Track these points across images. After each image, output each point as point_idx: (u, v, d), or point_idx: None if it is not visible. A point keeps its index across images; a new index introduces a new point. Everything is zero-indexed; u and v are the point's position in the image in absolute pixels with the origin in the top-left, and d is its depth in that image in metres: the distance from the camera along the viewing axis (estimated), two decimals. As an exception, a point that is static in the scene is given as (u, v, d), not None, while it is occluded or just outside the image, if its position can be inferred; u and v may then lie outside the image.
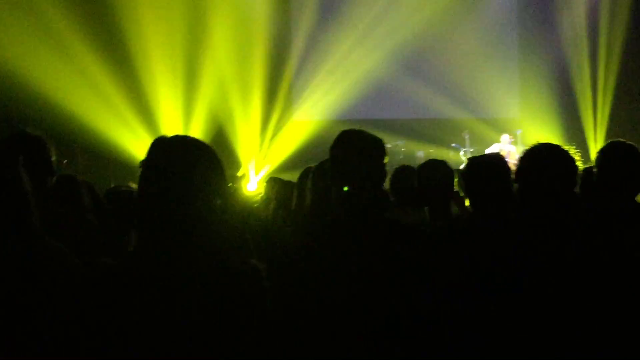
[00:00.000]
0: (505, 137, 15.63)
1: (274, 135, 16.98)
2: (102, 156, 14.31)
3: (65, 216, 3.75)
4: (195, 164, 2.18)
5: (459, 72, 17.55)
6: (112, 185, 7.38)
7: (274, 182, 5.99)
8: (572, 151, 3.31)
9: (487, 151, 14.81)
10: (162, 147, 2.22)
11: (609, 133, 16.27)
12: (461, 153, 16.27)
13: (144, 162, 2.19)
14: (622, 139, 3.81)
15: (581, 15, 17.35)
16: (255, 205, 7.16)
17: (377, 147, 2.93)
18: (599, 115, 17.18)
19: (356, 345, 2.70)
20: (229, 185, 6.31)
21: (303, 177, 4.38)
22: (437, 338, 2.87)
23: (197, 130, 15.53)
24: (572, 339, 2.93)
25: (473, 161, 3.73)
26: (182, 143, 2.26)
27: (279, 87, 17.06)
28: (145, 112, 15.33)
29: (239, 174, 15.54)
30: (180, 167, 2.15)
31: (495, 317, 2.96)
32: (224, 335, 2.09)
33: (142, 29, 15.22)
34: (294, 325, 2.70)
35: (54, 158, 3.62)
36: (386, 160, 2.96)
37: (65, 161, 12.40)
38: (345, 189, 2.84)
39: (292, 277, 2.80)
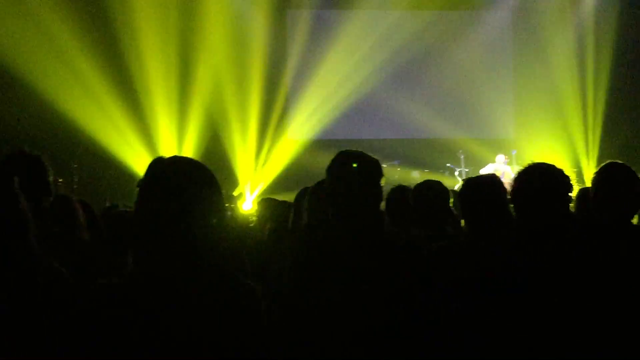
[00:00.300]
0: (500, 158, 15.68)
1: (269, 154, 16.99)
2: (99, 173, 14.35)
3: (60, 237, 3.75)
4: (192, 184, 2.19)
5: (454, 93, 17.64)
6: (107, 205, 7.38)
7: (268, 202, 5.99)
8: (567, 171, 3.32)
9: (482, 171, 14.84)
10: (160, 167, 2.22)
11: (601, 154, 16.34)
12: (456, 173, 16.31)
13: (142, 182, 2.20)
14: (617, 161, 3.83)
15: (572, 37, 17.47)
16: (251, 224, 7.16)
17: (375, 169, 2.94)
18: (590, 136, 17.26)
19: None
20: (226, 204, 6.31)
21: (300, 196, 4.39)
22: (434, 355, 2.87)
23: (193, 148, 15.58)
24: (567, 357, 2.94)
25: (469, 182, 3.75)
26: (180, 163, 2.27)
27: (274, 106, 17.09)
28: (143, 129, 15.41)
29: (236, 193, 15.55)
30: (177, 187, 2.16)
31: (490, 335, 2.96)
32: (221, 355, 2.09)
33: (139, 44, 15.32)
34: (294, 343, 2.70)
35: (51, 178, 3.63)
36: (383, 181, 2.97)
37: (60, 180, 12.39)
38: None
39: (291, 297, 2.80)
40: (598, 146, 16.98)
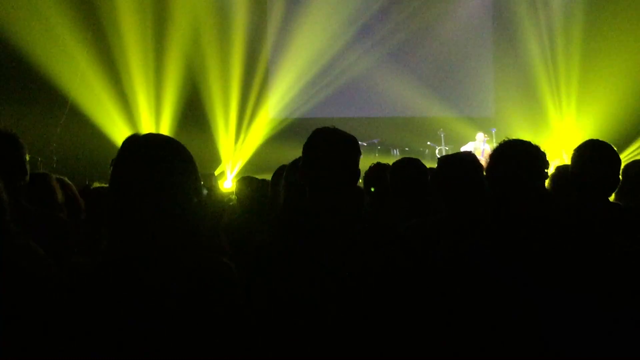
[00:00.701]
0: (479, 136, 15.71)
1: (250, 132, 16.96)
2: (79, 151, 14.29)
3: (37, 215, 3.72)
4: (166, 161, 2.17)
5: (434, 71, 17.65)
6: (87, 183, 7.33)
7: (247, 180, 5.96)
8: (544, 148, 3.32)
9: (462, 149, 14.88)
10: (134, 144, 2.20)
11: (576, 133, 16.45)
12: (437, 151, 16.35)
13: (116, 160, 2.17)
14: (597, 138, 3.84)
15: (549, 16, 17.50)
16: (231, 203, 7.13)
17: (351, 145, 2.93)
18: (565, 115, 17.34)
19: (330, 344, 2.70)
20: (204, 182, 6.28)
21: (277, 175, 4.37)
22: (413, 337, 2.88)
23: (175, 127, 15.54)
24: (544, 337, 2.95)
25: (444, 159, 3.75)
26: (154, 140, 2.25)
27: (254, 85, 17.04)
28: (125, 108, 15.38)
29: (217, 171, 15.53)
30: (151, 164, 2.13)
31: (467, 313, 2.97)
32: (198, 331, 2.08)
33: (119, 20, 15.26)
34: (268, 323, 2.69)
35: (27, 157, 3.60)
36: (359, 158, 2.96)
37: (40, 159, 12.34)
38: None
39: (266, 277, 2.79)
40: (573, 124, 17.05)
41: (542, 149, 3.27)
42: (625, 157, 14.20)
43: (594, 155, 3.66)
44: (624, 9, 16.55)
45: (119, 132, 14.83)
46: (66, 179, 4.86)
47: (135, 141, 2.21)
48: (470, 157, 3.76)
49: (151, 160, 2.15)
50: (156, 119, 15.81)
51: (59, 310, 2.10)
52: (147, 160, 2.15)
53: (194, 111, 16.40)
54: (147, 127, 15.47)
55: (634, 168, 4.40)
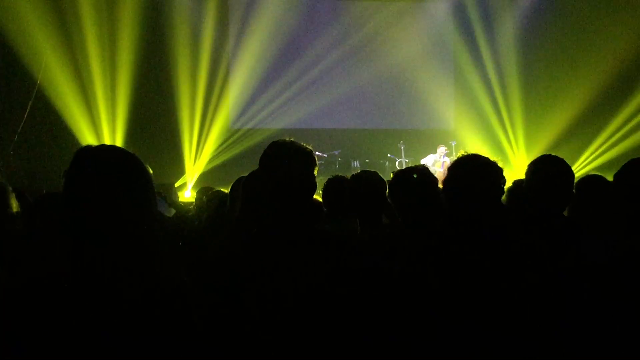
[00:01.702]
0: (441, 149, 15.84)
1: (209, 143, 16.91)
2: (37, 161, 14.18)
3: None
4: (119, 173, 2.15)
5: (395, 83, 17.74)
6: (44, 192, 7.25)
7: (205, 191, 5.95)
8: (500, 163, 3.36)
9: (422, 162, 15.02)
10: (88, 156, 2.18)
11: (532, 147, 16.70)
12: (397, 163, 16.43)
13: (69, 171, 2.15)
14: (551, 154, 3.89)
15: (510, 30, 17.74)
16: (190, 214, 7.11)
17: (307, 158, 2.94)
18: (519, 129, 17.59)
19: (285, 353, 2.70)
20: (161, 193, 6.22)
21: (235, 186, 4.36)
22: (367, 348, 2.88)
23: (137, 137, 15.45)
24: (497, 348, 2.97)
25: (398, 173, 3.78)
26: (106, 152, 2.23)
27: (214, 95, 16.99)
28: (90, 117, 15.24)
29: (179, 182, 15.46)
30: (104, 176, 2.12)
31: (417, 325, 2.98)
32: (148, 344, 2.07)
33: (85, 31, 15.16)
34: (223, 334, 2.68)
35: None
36: (315, 171, 2.97)
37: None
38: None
39: (221, 287, 2.78)
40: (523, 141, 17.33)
41: (498, 164, 3.31)
42: (576, 169, 14.47)
43: (548, 169, 3.71)
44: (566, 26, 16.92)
45: (82, 142, 14.71)
46: (22, 190, 4.81)
47: (88, 152, 2.20)
48: (422, 170, 3.79)
49: (103, 172, 2.14)
50: (125, 128, 15.72)
51: (7, 321, 2.07)
52: (99, 171, 2.14)
53: (159, 121, 16.34)
54: (111, 137, 15.36)
55: (586, 183, 4.46)
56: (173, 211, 6.64)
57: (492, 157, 3.36)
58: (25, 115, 13.90)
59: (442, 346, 2.98)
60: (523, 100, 17.54)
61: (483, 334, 2.96)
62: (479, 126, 17.59)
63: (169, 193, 6.34)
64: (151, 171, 2.42)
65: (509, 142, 17.49)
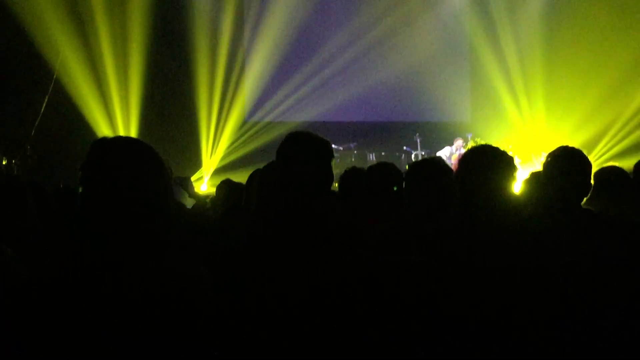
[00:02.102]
0: (458, 142, 15.79)
1: (225, 136, 16.94)
2: (54, 155, 14.25)
3: (7, 219, 3.69)
4: (136, 165, 2.16)
5: (411, 76, 17.65)
6: (61, 185, 7.29)
7: (224, 184, 5.95)
8: (519, 154, 3.35)
9: (438, 154, 14.98)
10: (104, 148, 2.19)
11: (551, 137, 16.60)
12: (412, 156, 16.40)
13: (85, 164, 2.16)
14: (568, 145, 3.87)
15: (526, 21, 17.63)
16: (207, 207, 7.12)
17: (324, 149, 2.93)
18: (536, 119, 17.49)
19: (304, 349, 2.70)
20: (179, 186, 6.23)
21: (251, 178, 4.36)
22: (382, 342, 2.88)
23: (149, 130, 15.49)
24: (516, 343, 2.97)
25: (413, 165, 3.78)
26: (122, 144, 2.23)
27: (232, 89, 17.01)
28: (106, 111, 15.31)
29: (196, 176, 15.50)
30: (121, 168, 2.13)
31: (434, 321, 2.98)
32: (167, 337, 2.07)
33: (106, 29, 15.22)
34: (242, 326, 2.68)
35: (4, 162, 3.57)
36: (333, 162, 2.97)
37: (14, 161, 12.26)
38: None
39: (240, 280, 2.79)
40: (544, 129, 17.21)
41: (511, 154, 3.30)
42: (594, 158, 14.40)
43: (565, 161, 3.69)
44: (587, 15, 16.77)
45: (99, 135, 14.78)
46: (40, 182, 4.84)
47: (104, 144, 2.20)
48: (439, 162, 3.79)
49: (120, 164, 2.14)
50: (142, 121, 15.77)
51: (26, 313, 2.08)
52: (115, 163, 2.14)
53: (176, 114, 16.40)
54: (126, 130, 15.42)
55: (603, 174, 4.44)
56: (192, 201, 6.65)
57: (509, 149, 3.35)
58: (42, 109, 13.98)
59: (458, 341, 2.97)
60: (544, 90, 17.43)
61: (498, 327, 2.96)
62: (496, 118, 17.51)
63: (184, 184, 6.34)
64: (167, 163, 2.43)
65: (529, 132, 17.37)
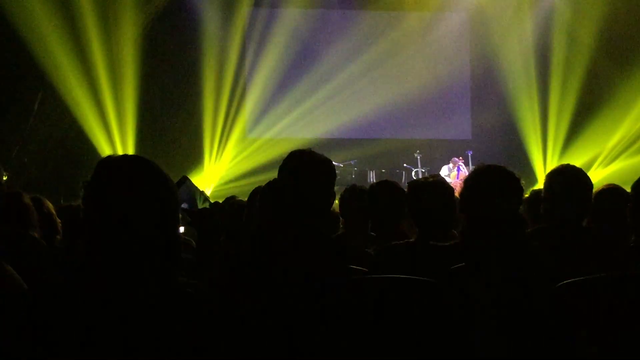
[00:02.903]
0: (455, 159, 15.83)
1: (229, 151, 16.95)
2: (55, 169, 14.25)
3: (10, 236, 3.70)
4: (143, 183, 2.14)
5: (412, 93, 17.64)
6: (62, 202, 7.29)
7: (229, 200, 5.95)
8: (520, 173, 3.35)
9: (442, 171, 15.03)
10: (110, 166, 2.17)
11: (558, 156, 16.62)
12: (413, 173, 16.39)
13: (92, 182, 2.14)
14: (569, 164, 3.88)
15: (527, 39, 17.69)
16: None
17: (327, 169, 2.94)
18: (548, 140, 17.48)
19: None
20: (180, 204, 6.23)
21: (252, 196, 4.36)
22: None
23: (152, 146, 15.51)
24: None
25: (413, 183, 3.78)
26: (129, 162, 2.20)
27: (235, 106, 17.03)
28: (106, 127, 15.33)
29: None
30: (128, 187, 2.11)
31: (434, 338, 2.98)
32: (166, 356, 2.07)
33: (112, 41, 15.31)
34: (241, 346, 2.69)
35: (5, 178, 3.57)
36: (335, 181, 2.98)
37: (5, 177, 12.23)
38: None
39: (240, 297, 2.79)
40: (559, 149, 17.19)
41: (517, 174, 3.30)
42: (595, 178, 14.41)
43: (566, 179, 3.70)
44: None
45: (100, 151, 14.86)
46: (43, 198, 4.83)
47: (110, 163, 2.18)
48: (442, 181, 3.79)
49: (128, 183, 2.12)
50: (140, 137, 15.81)
51: (28, 330, 2.07)
52: (124, 182, 2.11)
53: (175, 129, 16.43)
54: (125, 146, 15.45)
55: (605, 193, 4.45)
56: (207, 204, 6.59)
57: (511, 167, 3.35)
58: (31, 120, 14.03)
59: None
60: (543, 108, 17.48)
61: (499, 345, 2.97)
62: (498, 134, 17.53)
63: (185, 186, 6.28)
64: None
65: (529, 151, 17.39)
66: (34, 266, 3.48)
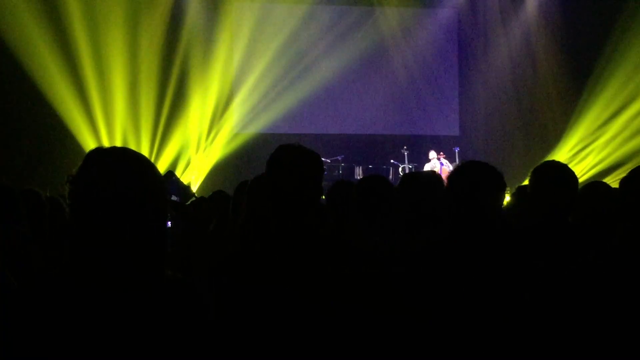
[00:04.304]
0: (432, 153, 15.97)
1: (215, 146, 16.93)
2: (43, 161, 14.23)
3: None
4: (132, 175, 2.12)
5: (399, 89, 17.71)
6: (48, 194, 7.25)
7: (214, 196, 5.96)
8: (505, 169, 3.38)
9: (425, 168, 15.06)
10: (99, 158, 2.15)
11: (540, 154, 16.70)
12: (400, 169, 16.43)
13: (80, 173, 2.12)
14: (555, 160, 3.91)
15: (516, 37, 17.75)
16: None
17: (315, 162, 2.95)
18: (531, 136, 17.58)
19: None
20: (170, 197, 6.21)
21: (239, 190, 4.35)
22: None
23: (133, 141, 15.49)
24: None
25: (406, 177, 3.80)
26: (119, 155, 2.18)
27: (220, 99, 16.99)
28: (92, 121, 15.30)
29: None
30: (117, 178, 2.08)
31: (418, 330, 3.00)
32: (158, 351, 2.06)
33: (98, 37, 15.26)
34: (234, 343, 2.69)
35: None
36: (323, 175, 2.99)
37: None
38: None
39: (231, 291, 2.80)
40: (547, 144, 17.28)
41: (499, 171, 3.32)
42: (580, 173, 14.51)
43: (551, 175, 3.72)
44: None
45: (84, 145, 14.85)
46: (36, 189, 4.82)
47: (100, 154, 2.17)
48: (432, 175, 3.81)
49: (117, 175, 2.10)
50: (138, 136, 15.82)
51: (13, 326, 2.05)
52: (112, 174, 2.10)
53: (156, 125, 16.40)
54: (112, 139, 15.44)
55: (590, 189, 4.48)
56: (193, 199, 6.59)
57: (497, 164, 3.38)
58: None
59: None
60: (530, 105, 17.58)
61: (487, 341, 2.99)
62: (485, 131, 17.61)
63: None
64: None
65: (515, 148, 17.45)
66: (22, 260, 3.47)
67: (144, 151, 14.61)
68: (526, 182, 4.04)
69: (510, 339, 2.99)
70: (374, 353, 2.95)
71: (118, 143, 15.03)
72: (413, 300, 3.08)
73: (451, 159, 16.03)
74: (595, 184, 4.64)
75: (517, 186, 5.25)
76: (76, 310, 2.03)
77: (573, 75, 17.05)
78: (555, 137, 17.11)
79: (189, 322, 2.14)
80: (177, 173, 15.69)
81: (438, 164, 15.70)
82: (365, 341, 2.88)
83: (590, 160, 16.48)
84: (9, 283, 2.43)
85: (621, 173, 14.40)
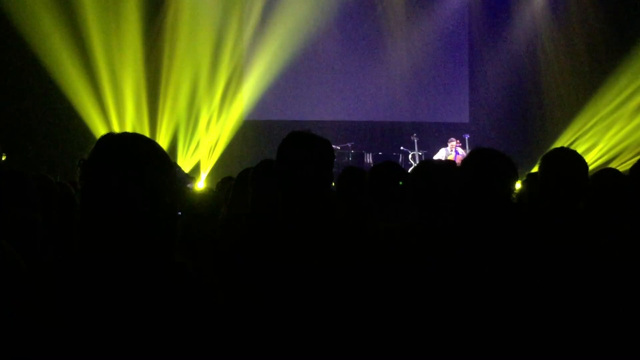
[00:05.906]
0: (452, 142, 15.83)
1: (223, 134, 16.93)
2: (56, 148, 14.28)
3: (7, 215, 3.69)
4: (143, 162, 2.12)
5: (409, 76, 17.66)
6: (59, 180, 7.26)
7: (224, 182, 5.96)
8: (517, 156, 3.38)
9: (435, 157, 15.00)
10: (110, 144, 2.15)
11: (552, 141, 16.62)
12: (409, 156, 16.40)
13: (91, 159, 2.12)
14: (564, 146, 3.89)
15: (527, 23, 17.66)
16: (205, 204, 7.10)
17: (326, 149, 2.95)
18: (546, 123, 17.49)
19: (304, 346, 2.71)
20: (184, 184, 6.25)
21: (241, 177, 4.32)
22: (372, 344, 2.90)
23: (151, 130, 15.54)
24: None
25: (422, 164, 3.79)
26: (131, 140, 2.19)
27: (233, 87, 17.00)
28: (103, 109, 15.33)
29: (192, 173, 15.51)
30: (128, 165, 2.09)
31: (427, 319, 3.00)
32: (162, 336, 2.06)
33: (108, 22, 15.32)
34: (242, 326, 2.69)
35: (3, 158, 3.56)
36: (334, 161, 2.98)
37: (4, 157, 12.24)
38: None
39: (240, 278, 2.80)
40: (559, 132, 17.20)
41: (512, 159, 3.32)
42: (591, 160, 14.45)
43: (561, 162, 3.71)
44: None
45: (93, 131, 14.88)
46: (49, 176, 4.82)
47: (110, 140, 2.18)
48: (446, 162, 3.80)
49: (128, 161, 2.11)
50: (149, 123, 15.84)
51: (24, 309, 2.06)
52: (124, 159, 2.11)
53: (167, 112, 16.41)
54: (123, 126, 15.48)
55: (601, 176, 4.46)
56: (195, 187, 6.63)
57: (508, 151, 3.37)
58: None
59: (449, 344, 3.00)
60: (541, 91, 17.50)
61: (492, 328, 2.98)
62: (495, 119, 17.55)
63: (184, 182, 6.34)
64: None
65: (526, 135, 17.39)
66: (33, 246, 3.47)
67: (149, 134, 14.71)
68: (536, 169, 4.03)
69: (522, 325, 2.98)
70: (391, 332, 2.94)
71: (128, 129, 15.07)
72: (427, 284, 3.07)
73: (461, 146, 15.98)
74: (606, 170, 4.62)
75: (527, 173, 5.23)
76: (85, 294, 2.04)
77: (585, 61, 16.94)
78: (564, 124, 17.00)
79: (198, 307, 2.14)
80: (186, 156, 15.78)
81: (453, 152, 15.64)
82: (385, 321, 2.88)
83: (602, 146, 16.37)
84: (20, 267, 2.43)
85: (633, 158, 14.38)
